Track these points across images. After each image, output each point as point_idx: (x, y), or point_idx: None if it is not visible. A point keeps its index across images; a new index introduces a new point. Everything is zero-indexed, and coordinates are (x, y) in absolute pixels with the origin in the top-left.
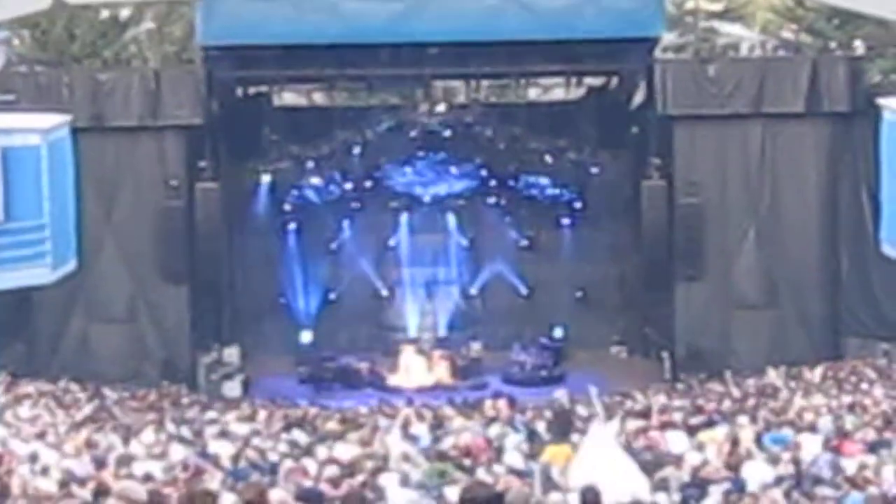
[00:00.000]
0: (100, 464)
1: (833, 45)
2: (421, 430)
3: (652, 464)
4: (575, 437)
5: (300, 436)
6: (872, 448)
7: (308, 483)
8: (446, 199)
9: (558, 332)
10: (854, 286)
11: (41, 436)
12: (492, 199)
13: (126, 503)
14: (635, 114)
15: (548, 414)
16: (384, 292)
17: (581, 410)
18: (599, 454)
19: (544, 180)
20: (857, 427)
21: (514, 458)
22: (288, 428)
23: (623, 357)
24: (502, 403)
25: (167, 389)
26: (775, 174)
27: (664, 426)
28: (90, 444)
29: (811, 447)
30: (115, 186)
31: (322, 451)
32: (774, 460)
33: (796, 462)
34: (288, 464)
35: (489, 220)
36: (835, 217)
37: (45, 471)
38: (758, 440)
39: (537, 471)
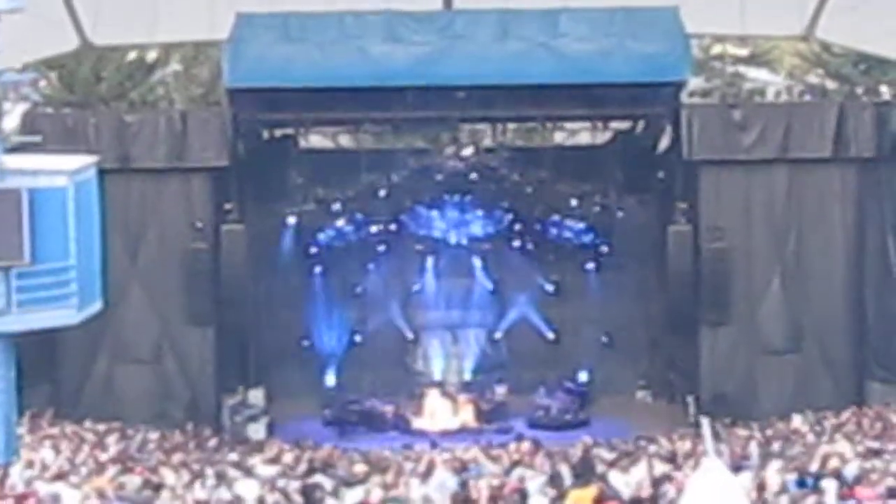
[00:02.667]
0: None
1: (859, 90)
2: (445, 473)
3: None
4: (595, 480)
5: (324, 479)
6: (893, 495)
7: None
8: (472, 243)
9: (583, 376)
10: (879, 331)
11: (65, 477)
12: (517, 243)
13: None
14: (661, 158)
15: (571, 458)
16: (409, 335)
17: (604, 454)
18: (712, 489)
19: (570, 224)
20: (882, 473)
21: (538, 502)
22: (312, 471)
23: (648, 401)
24: (526, 447)
25: (192, 431)
26: (801, 219)
27: (689, 471)
28: (114, 486)
29: (835, 493)
30: (141, 228)
31: (346, 495)
32: None
33: None
34: None
35: (515, 263)
36: (860, 262)
37: None
38: (782, 485)
39: None
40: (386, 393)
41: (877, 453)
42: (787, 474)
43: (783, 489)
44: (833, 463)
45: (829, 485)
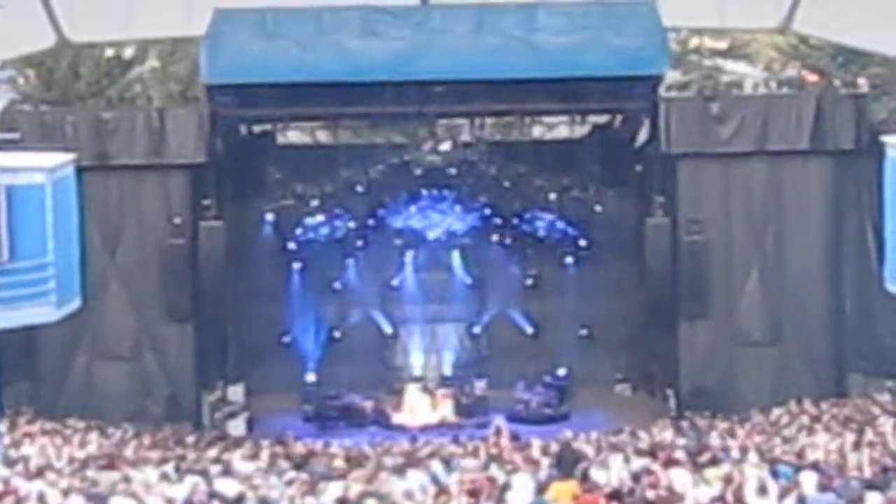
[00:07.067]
0: (103, 502)
1: (837, 82)
2: (425, 468)
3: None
4: (575, 473)
5: (304, 474)
6: (871, 486)
7: None
8: (450, 238)
9: (563, 370)
10: (858, 323)
11: (44, 474)
12: (496, 238)
13: None
14: (639, 152)
15: (553, 450)
16: (389, 330)
17: (583, 447)
18: None
19: (548, 218)
20: (860, 465)
21: (519, 496)
22: (292, 466)
23: (628, 395)
24: (505, 441)
25: (171, 427)
26: (779, 211)
27: (669, 464)
28: (94, 483)
29: (814, 484)
30: (120, 225)
31: (326, 489)
32: (779, 497)
33: (801, 500)
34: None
35: (494, 258)
36: (839, 254)
37: None
38: (762, 477)
39: None
40: (365, 388)
41: (857, 445)
42: (767, 466)
43: (763, 481)
44: (812, 454)
45: (808, 476)
